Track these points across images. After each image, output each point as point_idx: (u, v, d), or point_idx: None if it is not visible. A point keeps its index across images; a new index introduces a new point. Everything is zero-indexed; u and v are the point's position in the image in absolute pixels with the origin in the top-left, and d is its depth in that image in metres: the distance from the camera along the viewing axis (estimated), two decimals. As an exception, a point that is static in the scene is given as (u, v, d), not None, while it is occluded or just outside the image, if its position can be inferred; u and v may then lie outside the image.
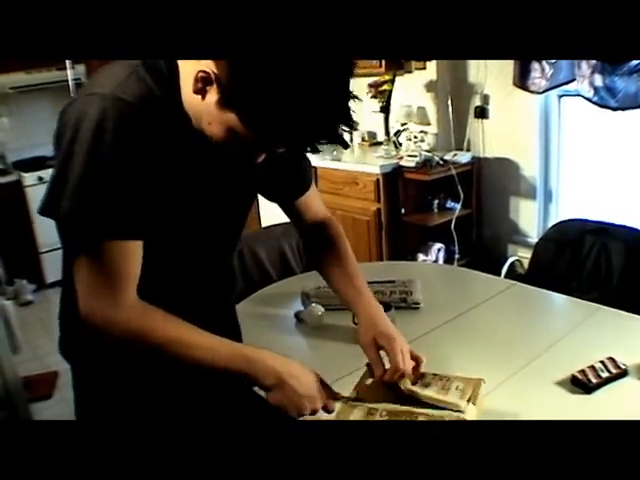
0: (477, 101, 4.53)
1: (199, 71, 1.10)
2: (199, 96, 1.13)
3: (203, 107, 1.14)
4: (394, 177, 4.40)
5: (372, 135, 5.21)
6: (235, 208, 1.47)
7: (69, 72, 5.53)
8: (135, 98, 1.13)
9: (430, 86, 4.59)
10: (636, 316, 1.90)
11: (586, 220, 2.77)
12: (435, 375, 1.52)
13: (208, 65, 1.09)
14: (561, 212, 4.38)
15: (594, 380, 1.53)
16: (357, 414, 1.40)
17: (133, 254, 1.19)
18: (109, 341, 1.20)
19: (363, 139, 5.24)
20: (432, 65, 4.53)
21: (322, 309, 2.02)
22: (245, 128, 1.10)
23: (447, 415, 1.38)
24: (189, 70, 1.14)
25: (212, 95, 1.11)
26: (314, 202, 1.66)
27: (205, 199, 1.33)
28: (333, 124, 1.12)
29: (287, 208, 1.65)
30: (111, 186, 1.12)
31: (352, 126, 1.13)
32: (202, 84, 1.11)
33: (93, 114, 1.10)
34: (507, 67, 4.18)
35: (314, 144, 1.16)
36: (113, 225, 1.14)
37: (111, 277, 1.17)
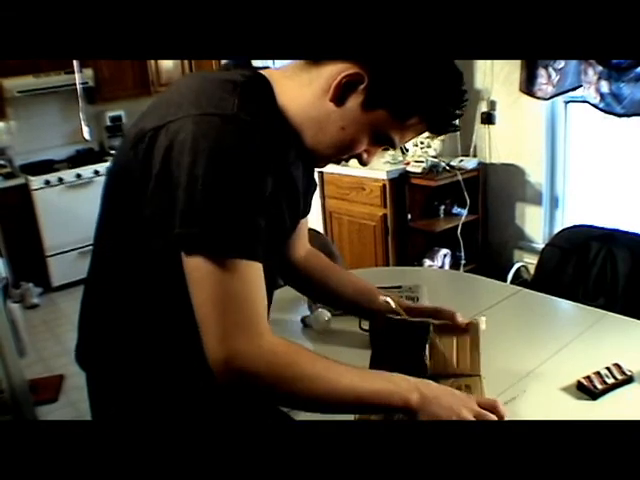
0: (484, 107, 4.53)
1: (344, 77, 1.14)
2: (331, 104, 1.17)
3: (336, 114, 1.18)
4: (401, 183, 4.41)
5: (378, 140, 5.20)
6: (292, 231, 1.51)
7: (77, 76, 5.56)
8: (256, 117, 1.12)
9: (437, 92, 4.58)
10: (642, 323, 1.90)
11: (592, 226, 2.77)
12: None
13: (347, 70, 1.13)
14: (567, 218, 4.37)
15: (600, 386, 1.53)
16: None
17: (262, 279, 1.14)
18: (253, 382, 1.11)
19: (369, 144, 5.23)
20: (439, 71, 4.53)
21: (328, 314, 2.02)
22: (394, 121, 1.18)
23: None
24: (303, 81, 1.20)
25: (355, 99, 1.16)
26: (304, 232, 1.69)
27: (286, 226, 1.36)
28: (458, 105, 1.22)
29: None
30: (254, 207, 1.10)
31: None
32: (344, 90, 1.15)
33: (225, 137, 1.08)
34: (514, 73, 4.19)
35: (444, 126, 1.26)
36: (254, 248, 1.11)
37: (250, 309, 1.11)
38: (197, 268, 1.09)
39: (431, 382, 1.29)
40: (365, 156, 1.27)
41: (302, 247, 1.69)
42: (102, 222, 1.30)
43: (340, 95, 1.16)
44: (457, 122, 1.25)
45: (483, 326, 1.57)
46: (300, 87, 1.20)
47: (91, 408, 1.41)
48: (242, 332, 1.09)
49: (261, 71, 1.24)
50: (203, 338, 1.10)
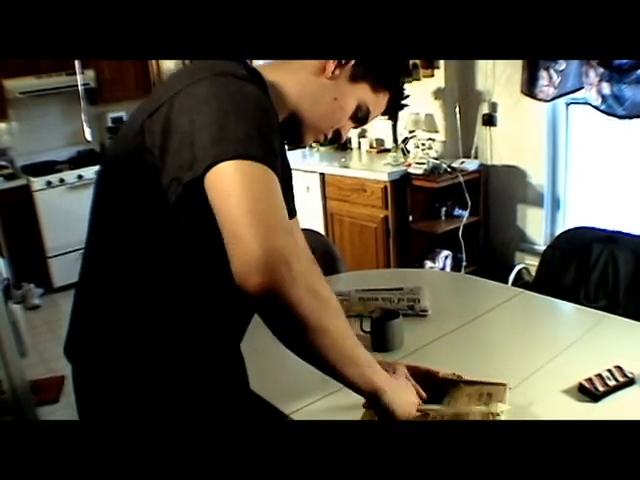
0: (485, 109, 4.53)
1: None
2: (324, 79, 1.34)
3: (330, 87, 1.36)
4: (402, 184, 4.41)
5: (380, 142, 5.22)
6: None
7: (79, 77, 5.57)
8: (259, 87, 1.21)
9: (438, 94, 4.59)
10: (644, 325, 1.90)
11: (594, 228, 2.77)
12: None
13: None
14: (568, 220, 4.37)
15: (601, 388, 1.53)
16: None
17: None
18: (289, 282, 1.01)
19: (371, 146, 5.25)
20: (440, 73, 4.54)
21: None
22: (374, 92, 1.40)
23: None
24: (295, 67, 1.35)
25: (345, 72, 1.35)
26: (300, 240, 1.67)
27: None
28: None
29: None
30: (272, 141, 1.12)
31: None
32: (337, 65, 1.33)
33: (244, 87, 1.15)
34: (515, 75, 4.19)
35: (400, 104, 1.49)
36: (277, 165, 1.11)
37: (285, 221, 1.08)
38: (227, 175, 1.05)
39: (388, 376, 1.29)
40: (343, 132, 1.45)
41: None
42: (96, 219, 1.32)
43: (334, 70, 1.33)
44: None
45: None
46: (292, 72, 1.36)
47: (77, 401, 1.41)
48: (284, 231, 1.04)
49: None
50: (234, 244, 1.03)
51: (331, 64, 1.33)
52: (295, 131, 1.40)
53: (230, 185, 1.05)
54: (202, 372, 1.37)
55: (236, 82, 1.16)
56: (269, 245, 1.01)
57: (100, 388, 1.36)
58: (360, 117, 1.42)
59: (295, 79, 1.36)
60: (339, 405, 1.52)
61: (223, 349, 1.43)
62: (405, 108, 1.51)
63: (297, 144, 1.46)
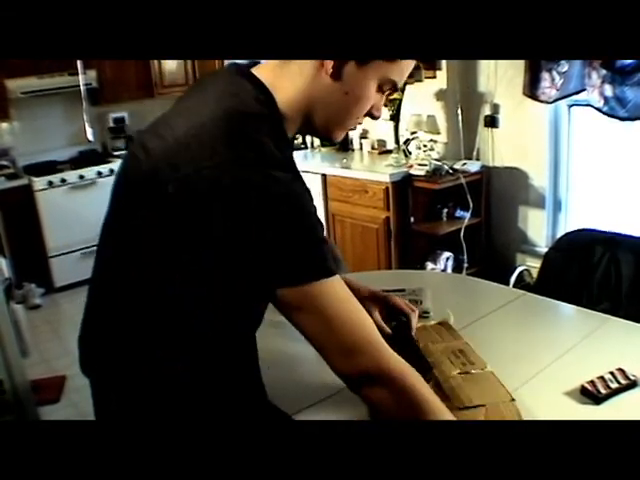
0: (487, 110, 4.53)
1: None
2: (327, 78, 1.21)
3: (336, 84, 1.21)
4: (403, 185, 4.41)
5: (382, 143, 5.21)
6: None
7: (81, 77, 5.58)
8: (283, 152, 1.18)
9: (440, 95, 4.59)
10: (646, 327, 1.89)
11: (596, 230, 2.77)
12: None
13: None
14: (570, 222, 4.37)
15: (603, 391, 1.52)
16: None
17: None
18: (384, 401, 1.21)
19: (373, 147, 5.25)
20: (442, 74, 4.54)
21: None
22: (393, 62, 1.22)
23: None
24: (293, 72, 1.23)
25: (350, 65, 1.20)
26: None
27: None
28: None
29: None
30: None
31: None
32: (339, 63, 1.20)
33: (287, 186, 1.13)
34: (517, 77, 4.19)
35: None
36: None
37: (362, 330, 1.21)
38: (305, 296, 1.16)
39: None
40: (376, 112, 1.32)
41: None
42: (110, 231, 1.30)
43: (337, 68, 1.20)
44: None
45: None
46: (293, 80, 1.24)
47: (95, 414, 1.40)
48: (362, 351, 1.19)
49: (257, 75, 1.25)
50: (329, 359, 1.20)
51: (333, 67, 1.19)
52: (321, 134, 1.34)
53: (310, 305, 1.17)
54: (217, 381, 1.35)
55: (280, 182, 1.12)
56: (350, 370, 1.21)
57: (117, 404, 1.35)
58: (387, 89, 1.28)
59: (298, 85, 1.23)
60: (341, 405, 1.52)
61: (240, 358, 1.41)
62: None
63: (329, 143, 1.44)
